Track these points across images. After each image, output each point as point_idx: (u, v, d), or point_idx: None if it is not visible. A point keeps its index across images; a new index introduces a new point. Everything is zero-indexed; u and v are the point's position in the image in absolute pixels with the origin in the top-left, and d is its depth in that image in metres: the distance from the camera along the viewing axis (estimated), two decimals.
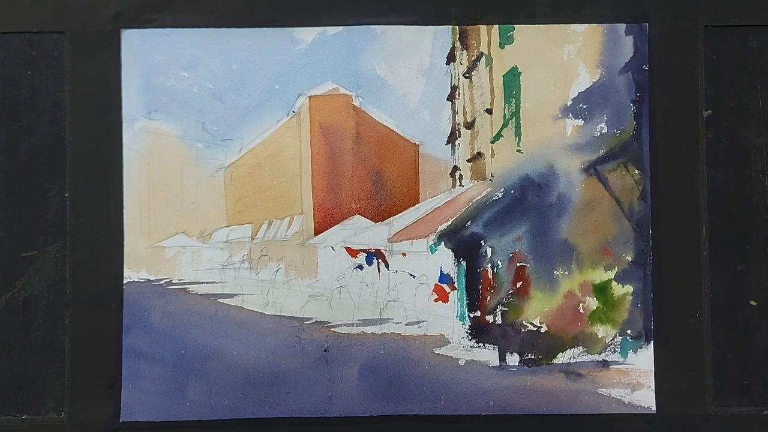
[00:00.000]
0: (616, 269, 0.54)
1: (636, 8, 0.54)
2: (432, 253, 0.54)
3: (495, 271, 0.54)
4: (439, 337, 0.54)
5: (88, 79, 0.54)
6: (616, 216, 0.54)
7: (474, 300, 0.54)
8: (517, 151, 0.55)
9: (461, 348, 0.54)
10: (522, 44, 0.54)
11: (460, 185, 0.55)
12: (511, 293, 0.54)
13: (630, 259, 0.54)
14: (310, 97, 0.55)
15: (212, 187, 0.54)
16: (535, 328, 0.54)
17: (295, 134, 0.55)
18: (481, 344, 0.54)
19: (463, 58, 0.55)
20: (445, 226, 0.54)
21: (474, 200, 0.55)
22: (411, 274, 0.54)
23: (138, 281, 0.54)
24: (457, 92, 0.55)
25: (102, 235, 0.54)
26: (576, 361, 0.54)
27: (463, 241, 0.54)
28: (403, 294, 0.54)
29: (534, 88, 0.54)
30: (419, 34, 0.54)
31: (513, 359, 0.54)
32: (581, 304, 0.54)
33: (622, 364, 0.54)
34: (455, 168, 0.55)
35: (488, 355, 0.54)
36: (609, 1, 0.55)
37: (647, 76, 0.54)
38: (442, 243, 0.54)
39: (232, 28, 0.54)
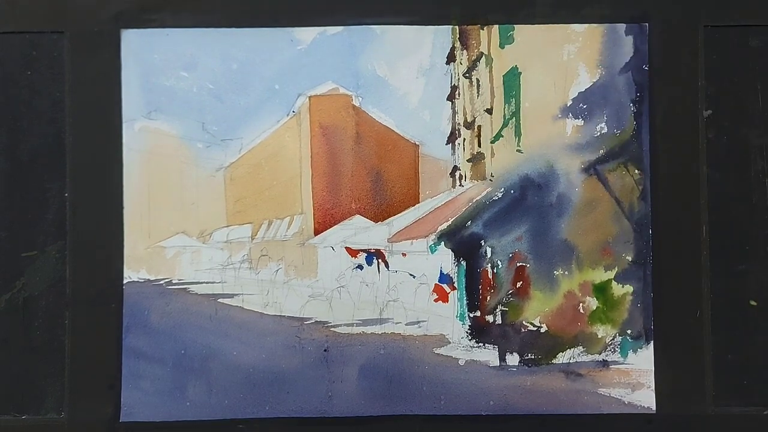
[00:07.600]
0: (616, 269, 0.54)
1: (636, 8, 0.54)
2: (432, 253, 0.54)
3: (495, 271, 0.54)
4: (439, 337, 0.54)
5: (88, 79, 0.54)
6: (616, 216, 0.54)
7: (474, 300, 0.54)
8: (517, 151, 0.54)
9: (461, 348, 0.54)
10: (522, 44, 0.54)
11: (460, 185, 0.55)
12: (511, 293, 0.54)
13: (630, 259, 0.54)
14: (310, 97, 0.55)
15: (212, 187, 0.54)
16: (535, 328, 0.54)
17: (295, 134, 0.55)
18: (481, 344, 0.54)
19: (463, 58, 0.55)
20: (445, 226, 0.54)
21: (474, 200, 0.55)
22: (411, 274, 0.54)
23: (138, 281, 0.54)
24: (457, 92, 0.55)
25: (102, 235, 0.54)
26: (576, 361, 0.54)
27: (463, 241, 0.54)
28: (403, 294, 0.54)
29: (534, 88, 0.54)
30: (419, 34, 0.54)
31: (513, 359, 0.54)
32: (581, 304, 0.54)
33: (622, 364, 0.54)
34: (455, 168, 0.55)
35: (488, 355, 0.54)
36: (609, 1, 0.55)
37: (647, 76, 0.54)
38: (442, 243, 0.54)
39: (232, 28, 0.54)
